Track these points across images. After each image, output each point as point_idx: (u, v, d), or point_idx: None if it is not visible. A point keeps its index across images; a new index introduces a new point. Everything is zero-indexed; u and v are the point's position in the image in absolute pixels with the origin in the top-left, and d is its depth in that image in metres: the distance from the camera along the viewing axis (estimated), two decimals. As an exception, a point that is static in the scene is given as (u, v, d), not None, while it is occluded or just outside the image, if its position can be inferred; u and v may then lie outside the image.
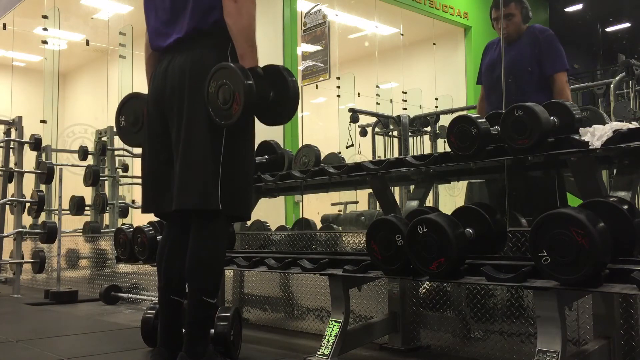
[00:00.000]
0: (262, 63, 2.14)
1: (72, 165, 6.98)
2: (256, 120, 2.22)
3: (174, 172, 2.16)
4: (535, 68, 3.28)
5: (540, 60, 3.27)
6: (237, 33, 2.09)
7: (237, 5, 2.07)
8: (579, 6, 10.18)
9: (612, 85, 5.40)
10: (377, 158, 6.59)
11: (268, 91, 2.11)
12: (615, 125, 1.99)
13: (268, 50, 6.96)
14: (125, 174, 7.02)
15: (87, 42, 8.93)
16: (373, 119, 7.09)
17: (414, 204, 2.93)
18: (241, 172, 2.16)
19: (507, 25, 3.32)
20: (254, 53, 2.10)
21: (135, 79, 7.17)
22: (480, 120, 2.21)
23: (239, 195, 2.16)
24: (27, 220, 6.08)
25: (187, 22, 2.16)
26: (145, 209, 2.32)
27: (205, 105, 2.06)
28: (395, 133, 6.96)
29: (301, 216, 5.38)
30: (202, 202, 2.08)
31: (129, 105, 2.58)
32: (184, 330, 2.16)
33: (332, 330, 2.33)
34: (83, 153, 6.45)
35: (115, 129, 2.81)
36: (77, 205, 6.00)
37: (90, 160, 6.60)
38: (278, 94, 2.13)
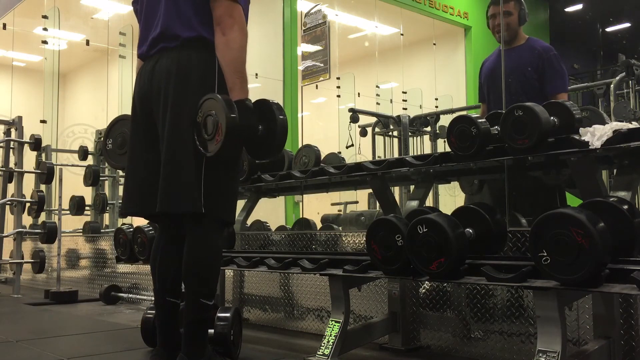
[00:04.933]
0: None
1: (72, 165, 6.97)
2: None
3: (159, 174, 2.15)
4: (535, 82, 3.26)
5: (542, 79, 3.25)
6: (225, 65, 2.07)
7: (226, 38, 2.06)
8: (579, 6, 10.18)
9: (612, 85, 5.40)
10: (377, 158, 6.59)
11: (256, 125, 2.09)
12: (615, 125, 1.99)
13: (268, 50, 6.96)
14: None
15: (87, 42, 8.92)
16: (373, 119, 7.09)
17: (414, 204, 2.93)
18: (224, 175, 2.13)
19: (503, 23, 3.31)
20: (243, 85, 2.08)
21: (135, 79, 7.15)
22: (480, 120, 2.21)
23: (222, 198, 2.14)
24: (27, 220, 6.08)
25: (176, 36, 2.14)
26: (125, 211, 2.29)
27: (189, 108, 2.05)
28: (395, 133, 6.96)
29: (301, 216, 5.38)
30: (184, 205, 2.06)
31: (117, 127, 2.58)
32: (182, 331, 2.16)
33: (332, 330, 2.33)
34: (83, 153, 6.44)
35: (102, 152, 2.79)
36: (77, 205, 6.00)
37: (90, 160, 6.60)
38: (267, 129, 2.11)
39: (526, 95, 3.13)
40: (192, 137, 2.06)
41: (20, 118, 5.56)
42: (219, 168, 2.11)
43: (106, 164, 6.55)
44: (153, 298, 2.30)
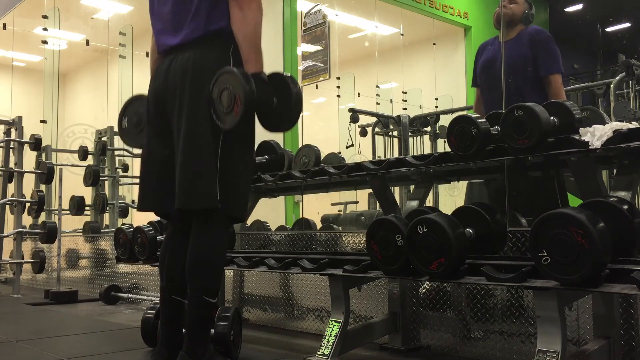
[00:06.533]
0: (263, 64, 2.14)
1: (72, 165, 6.97)
2: (256, 122, 2.22)
3: (175, 172, 2.16)
4: (532, 68, 3.28)
5: (536, 61, 3.26)
6: (242, 39, 2.12)
7: (243, 13, 2.10)
8: (579, 6, 10.17)
9: (612, 85, 5.40)
10: (377, 158, 6.59)
11: (271, 97, 2.12)
12: (615, 125, 1.99)
13: (268, 50, 6.91)
14: (125, 174, 7.02)
15: (87, 42, 8.92)
16: (373, 119, 7.09)
17: (414, 204, 2.93)
18: (238, 173, 2.15)
19: (506, 6, 3.31)
20: (258, 59, 2.12)
21: (135, 79, 7.17)
22: (480, 120, 2.20)
23: (236, 196, 2.16)
24: (27, 220, 6.08)
25: (190, 31, 2.17)
26: (142, 207, 2.31)
27: (205, 106, 2.07)
28: (395, 133, 6.96)
29: (301, 216, 5.38)
30: (200, 202, 2.09)
31: (133, 106, 2.59)
32: (184, 330, 2.16)
33: (332, 330, 2.33)
34: (83, 153, 6.45)
35: (117, 130, 2.81)
36: (77, 205, 6.00)
37: (90, 160, 6.60)
38: (281, 101, 2.15)
39: (522, 92, 3.14)
40: (207, 134, 2.08)
41: (20, 118, 5.56)
42: (234, 164, 2.12)
43: (106, 164, 6.56)
44: (153, 298, 2.30)
